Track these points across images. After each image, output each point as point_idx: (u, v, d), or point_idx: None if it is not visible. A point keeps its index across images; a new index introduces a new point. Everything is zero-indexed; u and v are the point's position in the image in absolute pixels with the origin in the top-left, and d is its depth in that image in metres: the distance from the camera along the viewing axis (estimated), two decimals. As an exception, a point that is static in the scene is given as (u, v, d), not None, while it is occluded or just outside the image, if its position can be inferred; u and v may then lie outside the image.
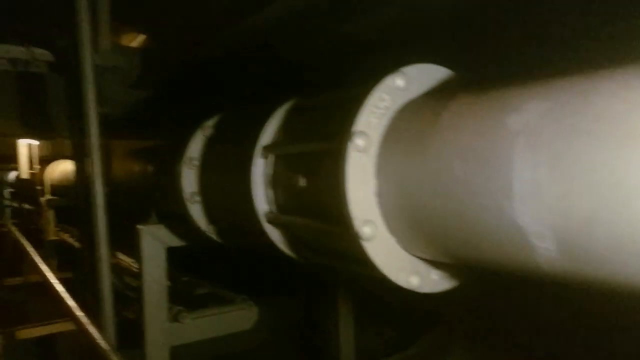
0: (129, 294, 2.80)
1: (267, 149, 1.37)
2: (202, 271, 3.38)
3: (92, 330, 1.94)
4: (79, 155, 2.40)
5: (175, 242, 2.31)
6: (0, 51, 2.30)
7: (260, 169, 1.38)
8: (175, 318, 2.41)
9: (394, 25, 2.17)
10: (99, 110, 2.10)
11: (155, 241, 2.30)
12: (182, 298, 2.65)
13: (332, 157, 1.09)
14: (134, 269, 3.08)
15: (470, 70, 1.21)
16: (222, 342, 2.71)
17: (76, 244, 5.83)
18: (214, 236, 1.88)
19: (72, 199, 5.26)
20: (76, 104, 2.32)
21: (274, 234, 1.43)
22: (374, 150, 1.08)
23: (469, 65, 1.28)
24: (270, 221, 1.41)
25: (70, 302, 2.21)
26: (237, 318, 2.57)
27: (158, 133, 3.82)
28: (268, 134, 1.40)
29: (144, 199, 2.50)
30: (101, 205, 2.13)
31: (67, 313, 2.20)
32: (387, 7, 1.99)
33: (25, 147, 5.53)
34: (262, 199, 1.39)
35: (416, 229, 1.08)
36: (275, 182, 1.38)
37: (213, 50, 2.85)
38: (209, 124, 1.85)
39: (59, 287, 2.43)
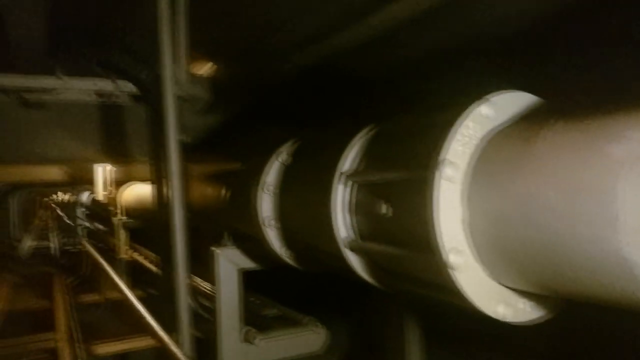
0: (201, 314, 2.88)
1: (348, 176, 1.39)
2: (268, 291, 3.44)
3: (174, 347, 2.01)
4: (159, 180, 2.52)
5: (249, 264, 2.37)
6: (89, 85, 2.49)
7: (340, 196, 1.40)
8: (247, 339, 2.46)
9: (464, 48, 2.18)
10: (180, 138, 2.21)
11: (229, 263, 2.37)
12: (252, 319, 2.70)
13: (419, 186, 1.10)
14: (205, 289, 3.18)
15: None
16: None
17: (146, 263, 6.09)
18: (289, 260, 1.92)
19: (147, 221, 5.52)
20: (157, 131, 2.46)
21: (354, 260, 1.45)
22: (462, 179, 1.07)
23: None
24: (350, 248, 1.43)
25: (151, 321, 2.31)
26: (307, 340, 2.58)
27: (228, 157, 3.97)
28: (347, 160, 1.43)
29: (218, 222, 2.59)
30: (180, 229, 2.23)
31: (148, 330, 2.28)
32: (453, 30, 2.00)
33: (101, 170, 5.87)
34: (342, 226, 1.42)
35: (507, 259, 1.07)
36: (356, 209, 1.40)
37: (283, 75, 2.95)
38: (285, 150, 1.90)
39: (139, 305, 2.54)
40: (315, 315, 2.78)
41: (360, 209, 1.39)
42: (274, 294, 3.34)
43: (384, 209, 1.27)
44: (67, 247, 10.30)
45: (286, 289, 3.56)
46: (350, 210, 1.42)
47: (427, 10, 1.76)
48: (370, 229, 1.37)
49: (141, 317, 2.60)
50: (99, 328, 4.56)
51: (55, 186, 11.96)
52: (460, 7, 1.84)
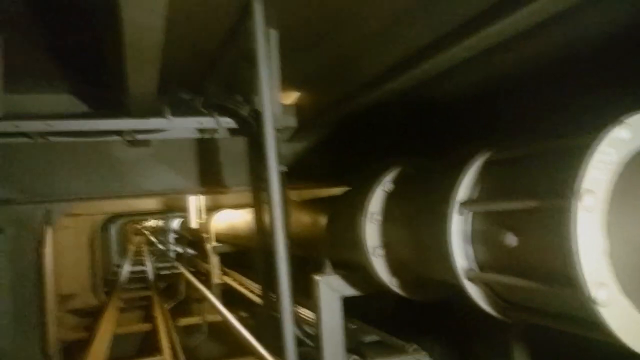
0: (303, 340, 2.91)
1: (466, 205, 1.37)
2: (361, 316, 3.41)
3: None
4: (258, 209, 2.61)
5: (351, 292, 2.37)
6: (193, 123, 2.65)
7: (457, 225, 1.37)
8: (351, 367, 2.45)
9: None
10: (280, 169, 2.28)
11: (331, 291, 2.39)
12: (351, 345, 2.69)
13: (553, 217, 1.06)
14: (303, 315, 3.22)
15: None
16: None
17: (238, 287, 6.29)
18: (397, 289, 1.89)
19: (238, 247, 5.73)
20: (255, 162, 2.57)
21: (474, 291, 1.40)
22: (602, 207, 1.02)
23: None
24: (470, 278, 1.39)
25: (257, 345, 2.37)
26: (411, 368, 2.53)
27: (316, 183, 4.04)
28: (463, 189, 1.40)
29: (316, 249, 2.62)
30: (284, 257, 2.28)
31: (254, 354, 2.33)
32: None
33: (195, 199, 6.18)
34: (460, 256, 1.38)
35: (659, 291, 0.99)
36: (474, 239, 1.37)
37: (372, 100, 2.96)
38: (388, 178, 1.90)
39: (243, 330, 2.61)
40: (410, 339, 2.71)
41: (479, 238, 1.35)
42: (364, 316, 3.31)
43: (508, 239, 1.23)
44: (161, 272, 10.87)
45: (376, 312, 3.51)
46: (468, 240, 1.38)
47: (531, 25, 1.71)
48: (491, 259, 1.33)
49: (245, 341, 2.67)
50: (199, 350, 4.76)
51: (148, 214, 12.77)
52: (564, 18, 1.77)
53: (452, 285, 1.47)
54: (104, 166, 3.61)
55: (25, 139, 2.58)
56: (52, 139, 2.63)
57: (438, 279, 1.60)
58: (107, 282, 9.41)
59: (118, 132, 2.70)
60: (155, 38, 1.86)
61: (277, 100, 2.68)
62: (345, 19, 2.51)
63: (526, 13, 1.54)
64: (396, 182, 1.88)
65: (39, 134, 2.51)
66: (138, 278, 10.93)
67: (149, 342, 5.30)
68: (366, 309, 3.26)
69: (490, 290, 1.40)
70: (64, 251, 6.38)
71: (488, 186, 1.36)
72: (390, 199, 1.86)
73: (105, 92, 3.42)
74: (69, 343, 5.14)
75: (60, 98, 3.46)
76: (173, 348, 4.22)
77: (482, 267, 1.37)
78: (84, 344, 5.23)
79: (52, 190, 3.48)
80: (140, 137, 2.84)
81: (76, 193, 3.57)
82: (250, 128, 2.52)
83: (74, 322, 6.94)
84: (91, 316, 7.32)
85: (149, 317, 6.74)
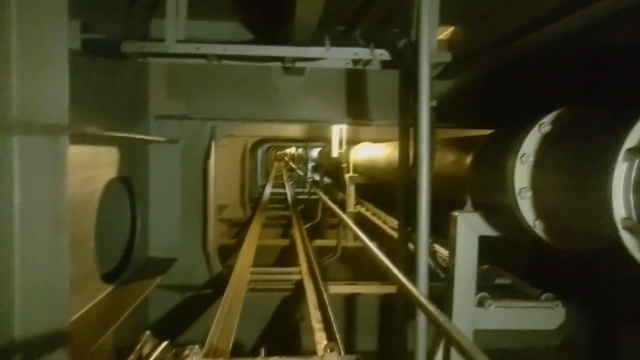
0: (436, 271, 3.00)
1: (634, 152, 1.30)
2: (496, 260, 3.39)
3: (415, 290, 2.11)
4: (404, 143, 2.68)
5: (489, 231, 2.38)
6: (350, 54, 2.74)
7: (624, 173, 1.32)
8: (480, 303, 2.50)
9: None
10: (431, 104, 2.31)
11: (469, 229, 2.42)
12: (483, 285, 2.72)
13: None
14: (436, 250, 3.31)
15: None
16: (519, 335, 2.71)
17: (371, 217, 6.56)
18: (541, 234, 1.87)
19: (375, 179, 5.93)
20: (405, 97, 2.61)
21: (631, 243, 1.36)
22: None
23: None
24: (627, 228, 1.35)
25: (394, 269, 2.50)
26: (542, 316, 2.50)
27: (462, 121, 3.97)
28: (634, 135, 1.32)
29: (458, 186, 2.64)
30: (426, 191, 2.35)
31: (389, 275, 2.46)
32: None
33: (338, 130, 6.41)
34: (622, 206, 1.34)
35: None
36: (640, 188, 1.31)
37: (526, 46, 2.77)
38: (547, 120, 1.83)
39: (380, 254, 2.76)
40: (544, 289, 2.66)
41: (646, 188, 1.29)
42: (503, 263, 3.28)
43: (681, 191, 1.16)
44: (299, 196, 11.63)
45: (517, 259, 3.45)
46: (631, 189, 1.32)
47: None
48: (657, 211, 1.27)
49: (381, 265, 2.84)
50: (331, 269, 5.16)
51: (291, 141, 13.57)
52: None
53: (606, 236, 1.43)
54: (262, 92, 3.95)
55: (201, 61, 2.90)
56: (225, 62, 2.92)
57: (590, 227, 1.56)
58: (252, 200, 10.37)
59: (280, 59, 2.90)
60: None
61: (434, 35, 2.65)
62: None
63: None
64: (555, 124, 1.81)
65: (216, 57, 2.80)
66: (278, 199, 11.79)
67: (287, 256, 5.85)
68: (498, 253, 3.23)
69: (651, 243, 1.35)
70: (220, 167, 7.14)
71: (665, 134, 1.27)
72: (546, 141, 1.80)
73: (268, 23, 3.67)
74: (220, 247, 5.86)
75: (229, 26, 3.80)
76: (309, 263, 4.63)
77: (644, 218, 1.31)
78: (231, 249, 5.95)
79: (218, 109, 3.93)
80: (299, 64, 3.03)
81: (238, 114, 3.98)
82: (404, 61, 2.55)
83: (224, 230, 7.87)
84: (238, 227, 8.22)
85: (286, 234, 7.37)
